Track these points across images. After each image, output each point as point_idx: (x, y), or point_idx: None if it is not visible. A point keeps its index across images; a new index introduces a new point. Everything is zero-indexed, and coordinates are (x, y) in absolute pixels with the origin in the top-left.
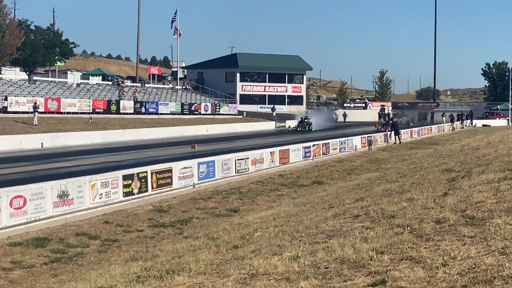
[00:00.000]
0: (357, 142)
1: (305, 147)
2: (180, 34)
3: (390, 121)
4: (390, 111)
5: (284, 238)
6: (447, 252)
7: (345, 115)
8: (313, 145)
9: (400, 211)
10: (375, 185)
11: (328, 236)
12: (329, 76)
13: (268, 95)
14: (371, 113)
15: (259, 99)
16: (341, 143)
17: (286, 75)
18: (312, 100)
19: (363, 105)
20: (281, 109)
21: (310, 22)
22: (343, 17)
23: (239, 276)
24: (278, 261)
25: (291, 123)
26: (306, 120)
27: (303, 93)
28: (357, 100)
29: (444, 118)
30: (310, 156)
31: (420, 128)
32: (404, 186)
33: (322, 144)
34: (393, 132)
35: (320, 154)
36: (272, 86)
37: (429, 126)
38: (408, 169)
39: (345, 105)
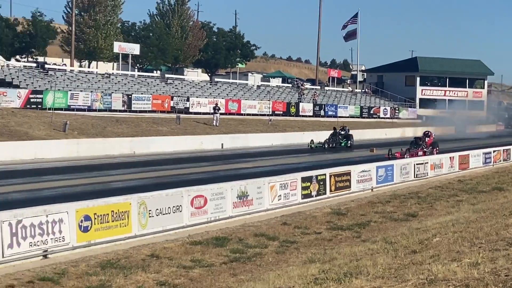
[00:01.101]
0: None
1: (485, 153)
2: (350, 38)
3: None
4: None
5: (463, 244)
6: None
7: None
8: (494, 151)
9: None
10: None
11: (509, 243)
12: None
13: (448, 99)
14: None
15: (438, 104)
16: None
17: (467, 80)
18: (493, 105)
19: None
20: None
21: (492, 25)
22: None
23: (417, 281)
24: (457, 267)
25: (315, 137)
26: (342, 133)
27: (484, 98)
28: None
29: None
30: (490, 162)
31: None
32: None
33: (503, 150)
34: None
35: (500, 160)
36: (452, 91)
37: None
38: None
39: None
